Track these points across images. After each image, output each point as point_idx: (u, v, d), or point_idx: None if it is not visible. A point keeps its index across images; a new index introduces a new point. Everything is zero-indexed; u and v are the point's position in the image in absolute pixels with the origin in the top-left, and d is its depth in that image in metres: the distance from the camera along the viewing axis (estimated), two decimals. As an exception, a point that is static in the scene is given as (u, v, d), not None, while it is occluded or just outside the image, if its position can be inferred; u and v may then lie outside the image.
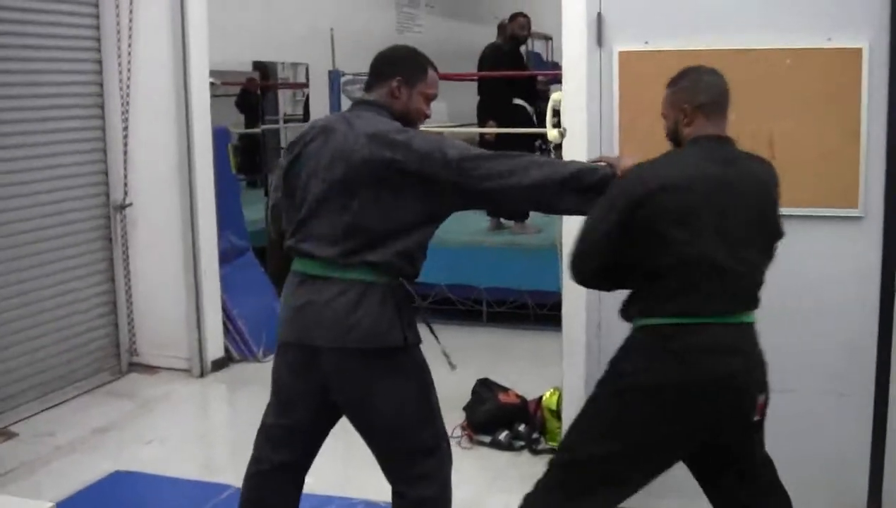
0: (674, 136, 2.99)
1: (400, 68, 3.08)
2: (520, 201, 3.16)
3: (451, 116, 10.41)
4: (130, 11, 5.79)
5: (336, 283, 2.92)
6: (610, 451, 2.84)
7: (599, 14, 3.82)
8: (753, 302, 2.90)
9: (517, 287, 7.00)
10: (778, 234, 2.98)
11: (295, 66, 8.81)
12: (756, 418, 2.87)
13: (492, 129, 7.82)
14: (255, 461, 3.19)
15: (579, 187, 2.94)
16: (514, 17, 8.29)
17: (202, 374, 6.00)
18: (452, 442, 4.62)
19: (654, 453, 2.87)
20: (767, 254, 2.94)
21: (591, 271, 2.95)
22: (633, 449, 2.84)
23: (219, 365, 6.12)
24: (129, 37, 5.81)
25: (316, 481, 3.39)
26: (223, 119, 8.29)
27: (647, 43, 3.77)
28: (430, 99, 3.14)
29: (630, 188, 2.81)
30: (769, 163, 3.01)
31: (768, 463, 3.00)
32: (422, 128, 3.14)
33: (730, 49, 3.64)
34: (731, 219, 2.78)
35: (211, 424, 5.57)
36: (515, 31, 8.26)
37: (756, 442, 2.97)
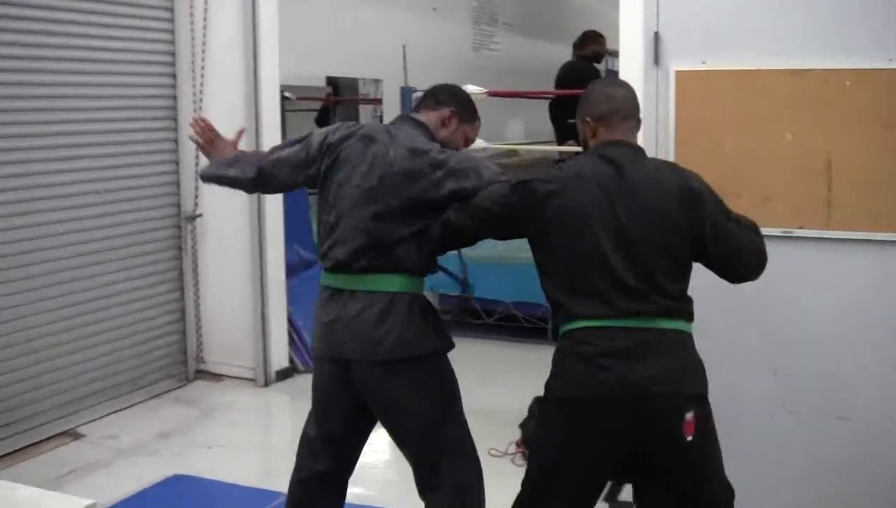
0: (585, 149, 3.01)
1: (458, 103, 3.26)
2: None
3: (527, 134, 10.45)
4: (204, 28, 5.94)
5: (362, 297, 3.02)
6: (529, 471, 2.90)
7: (657, 33, 3.82)
8: (668, 308, 2.74)
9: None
10: (688, 237, 2.78)
11: (376, 81, 8.94)
12: (688, 438, 2.68)
13: (570, 148, 7.83)
14: (297, 470, 3.30)
15: None
16: (595, 35, 8.30)
17: (266, 384, 6.10)
18: (506, 459, 4.73)
19: (562, 471, 2.80)
20: (672, 257, 2.77)
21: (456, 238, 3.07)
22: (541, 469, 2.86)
23: (283, 375, 6.21)
24: (203, 52, 5.97)
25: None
26: (300, 133, 8.43)
27: (704, 63, 3.75)
28: (468, 142, 3.32)
29: (523, 196, 2.85)
30: (682, 170, 2.89)
31: (722, 502, 2.85)
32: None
33: (788, 69, 3.63)
34: (622, 218, 2.73)
35: (271, 433, 5.65)
36: (596, 49, 8.28)
37: (697, 468, 2.77)
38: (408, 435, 3.14)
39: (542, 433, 2.90)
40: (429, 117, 3.21)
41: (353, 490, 3.42)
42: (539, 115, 8.96)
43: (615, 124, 2.92)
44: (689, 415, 2.69)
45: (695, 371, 2.79)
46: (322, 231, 3.15)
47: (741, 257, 2.89)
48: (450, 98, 3.26)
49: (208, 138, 3.45)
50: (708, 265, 2.88)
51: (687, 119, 3.79)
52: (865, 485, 3.67)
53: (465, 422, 3.19)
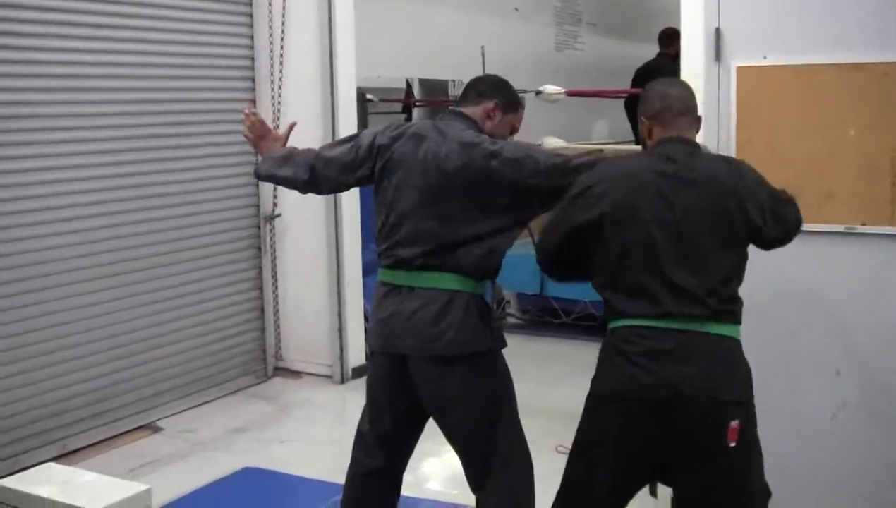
0: (644, 147, 3.02)
1: (501, 94, 3.26)
2: None
3: (611, 133, 10.39)
4: (282, 34, 6.09)
5: (420, 294, 3.06)
6: (566, 466, 2.91)
7: (718, 29, 3.79)
8: (718, 311, 2.72)
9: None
10: (744, 234, 2.80)
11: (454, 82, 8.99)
12: (731, 444, 2.66)
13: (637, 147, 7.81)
14: (353, 464, 3.36)
15: None
16: (677, 33, 8.21)
17: (343, 380, 6.22)
18: (564, 458, 4.72)
19: (595, 468, 2.80)
20: (726, 255, 2.76)
21: (551, 262, 2.99)
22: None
23: (359, 372, 6.30)
24: (281, 57, 6.12)
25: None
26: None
27: (765, 58, 3.71)
28: (513, 131, 3.31)
29: (576, 187, 2.87)
30: (737, 163, 2.94)
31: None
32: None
33: (849, 63, 3.56)
34: (676, 216, 2.72)
35: (345, 428, 5.67)
36: (679, 47, 8.18)
37: (737, 474, 2.73)
38: (460, 432, 3.17)
39: (581, 428, 2.90)
40: (473, 111, 3.22)
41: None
42: (623, 115, 8.94)
43: (669, 121, 2.91)
44: (735, 423, 2.67)
45: (739, 376, 2.76)
46: (381, 231, 3.19)
47: (789, 237, 2.97)
48: (491, 90, 3.27)
49: (259, 133, 3.50)
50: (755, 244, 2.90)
51: (748, 115, 3.74)
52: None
53: (518, 423, 3.21)
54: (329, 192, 3.49)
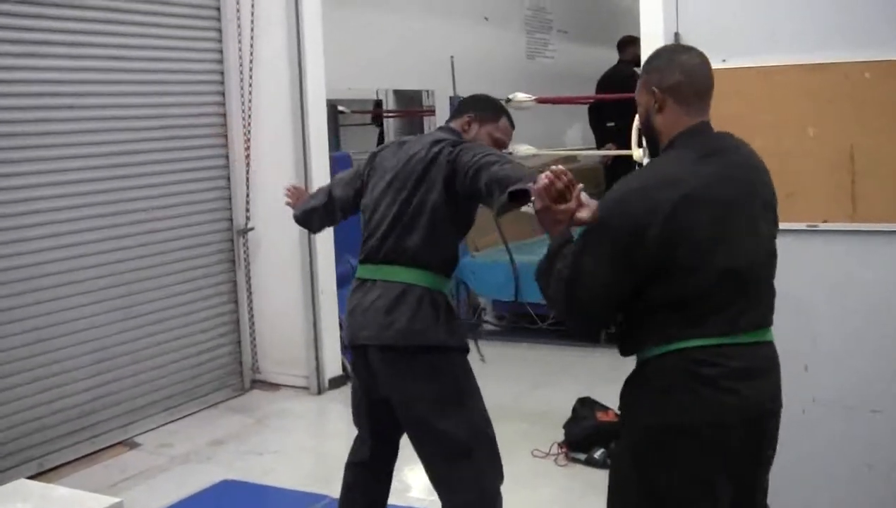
0: (647, 127, 2.58)
1: (473, 108, 3.40)
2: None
3: (584, 140, 10.44)
4: (251, 46, 6.12)
5: (380, 285, 3.17)
6: None
7: (676, 33, 3.84)
8: (770, 314, 2.55)
9: None
10: (777, 223, 2.64)
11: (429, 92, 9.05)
12: (769, 452, 2.56)
13: (610, 152, 7.92)
14: (349, 453, 3.52)
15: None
16: (633, 40, 8.32)
17: (320, 391, 6.23)
18: (549, 460, 4.77)
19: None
20: (772, 251, 2.59)
21: (602, 321, 2.55)
22: None
23: (336, 383, 6.33)
24: (251, 69, 6.15)
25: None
26: (357, 146, 8.64)
27: (724, 61, 3.75)
28: (497, 143, 3.36)
29: (621, 224, 2.36)
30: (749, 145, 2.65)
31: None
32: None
33: (808, 64, 3.62)
34: (737, 218, 2.43)
35: (323, 439, 5.75)
36: (637, 52, 8.26)
37: (763, 485, 2.60)
38: (415, 431, 3.22)
39: (656, 466, 2.44)
40: (456, 123, 3.38)
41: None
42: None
43: (692, 100, 2.49)
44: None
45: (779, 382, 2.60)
46: (363, 232, 3.32)
47: None
48: (467, 106, 3.44)
49: (297, 197, 3.77)
50: None
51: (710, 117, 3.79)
52: (900, 479, 3.64)
53: (472, 423, 3.19)
54: (342, 213, 3.55)
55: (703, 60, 2.56)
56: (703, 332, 2.38)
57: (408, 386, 3.15)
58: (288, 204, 3.80)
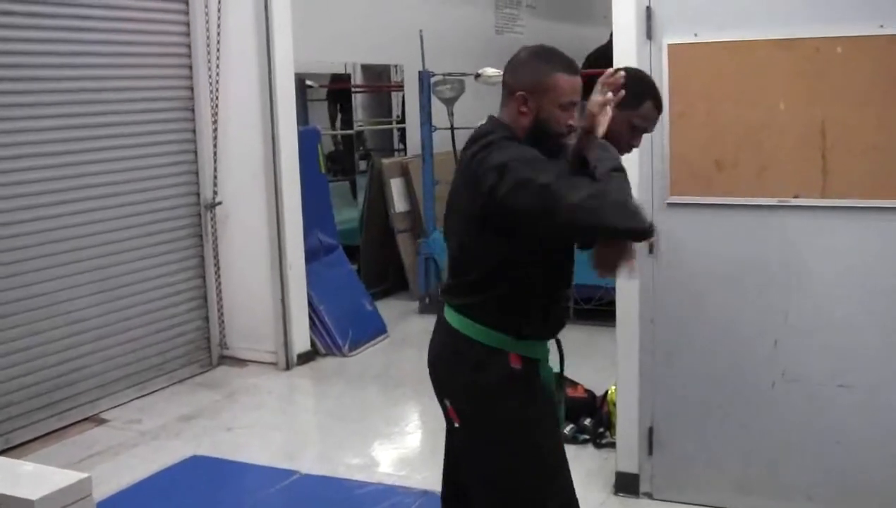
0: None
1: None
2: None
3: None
4: (219, 18, 6.03)
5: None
6: None
7: (649, 7, 3.83)
8: (455, 291, 2.71)
9: (605, 284, 6.95)
10: (465, 212, 2.60)
11: (397, 67, 9.00)
12: (455, 424, 2.72)
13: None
14: None
15: None
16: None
17: (288, 367, 6.21)
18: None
19: None
20: (459, 236, 2.68)
21: None
22: None
23: (305, 358, 6.32)
24: (218, 42, 6.07)
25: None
26: (325, 120, 8.58)
27: (696, 35, 3.76)
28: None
29: None
30: (483, 132, 2.62)
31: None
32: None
33: (779, 39, 3.62)
34: (453, 198, 2.70)
35: (292, 414, 5.72)
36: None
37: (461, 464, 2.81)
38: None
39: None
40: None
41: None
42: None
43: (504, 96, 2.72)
44: (448, 403, 2.80)
45: (450, 361, 2.81)
46: None
47: None
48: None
49: None
50: None
51: (681, 92, 3.79)
52: (867, 452, 3.68)
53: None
54: None
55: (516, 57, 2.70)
56: None
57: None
58: None
